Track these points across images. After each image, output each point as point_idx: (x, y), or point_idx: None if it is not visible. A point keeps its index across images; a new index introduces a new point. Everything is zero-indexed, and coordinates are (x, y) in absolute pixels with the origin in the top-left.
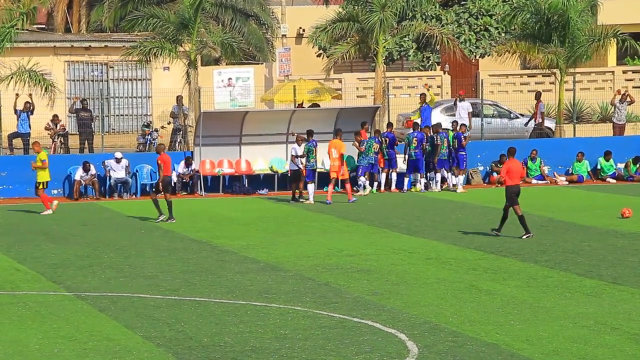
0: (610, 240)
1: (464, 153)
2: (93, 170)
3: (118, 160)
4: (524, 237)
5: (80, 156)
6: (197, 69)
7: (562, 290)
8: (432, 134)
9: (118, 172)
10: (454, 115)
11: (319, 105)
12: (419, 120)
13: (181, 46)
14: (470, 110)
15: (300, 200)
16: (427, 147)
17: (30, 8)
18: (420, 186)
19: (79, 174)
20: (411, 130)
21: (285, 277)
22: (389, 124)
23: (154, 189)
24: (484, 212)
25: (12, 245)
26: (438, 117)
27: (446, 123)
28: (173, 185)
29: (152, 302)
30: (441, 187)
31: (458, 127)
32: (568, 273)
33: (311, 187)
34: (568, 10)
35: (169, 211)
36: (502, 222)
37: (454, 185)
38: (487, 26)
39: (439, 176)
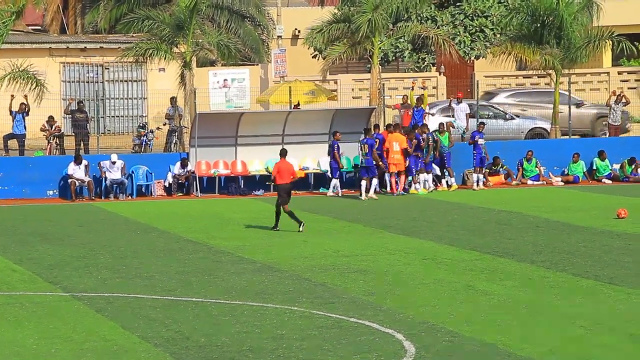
0: (606, 241)
1: (480, 152)
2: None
3: (113, 162)
4: (301, 228)
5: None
6: (192, 70)
7: (558, 291)
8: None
9: (114, 173)
10: (449, 116)
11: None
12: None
13: (177, 47)
14: (469, 111)
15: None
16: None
17: (20, 6)
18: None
19: (71, 167)
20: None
21: (281, 278)
22: (376, 126)
23: None
24: (480, 212)
25: (9, 246)
26: (435, 117)
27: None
28: (168, 186)
29: (148, 303)
30: (435, 188)
31: (477, 127)
32: (564, 273)
33: (364, 183)
34: (562, 11)
35: None
36: (277, 219)
37: (448, 184)
38: (482, 27)
39: (429, 177)
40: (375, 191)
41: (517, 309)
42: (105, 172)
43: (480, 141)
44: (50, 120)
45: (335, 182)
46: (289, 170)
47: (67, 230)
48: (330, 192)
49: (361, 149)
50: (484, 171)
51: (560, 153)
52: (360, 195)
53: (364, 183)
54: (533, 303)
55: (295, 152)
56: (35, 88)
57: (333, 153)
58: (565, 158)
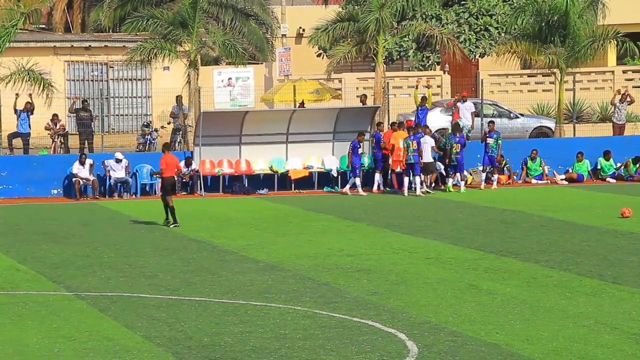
0: (610, 240)
1: (487, 152)
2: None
3: (118, 161)
4: (172, 226)
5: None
6: (197, 68)
7: (562, 290)
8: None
9: (118, 172)
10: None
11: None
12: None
13: (181, 46)
14: (473, 110)
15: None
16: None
17: (32, 9)
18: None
19: (75, 166)
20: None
21: (285, 277)
22: (379, 124)
23: None
24: (484, 211)
25: (13, 245)
26: (437, 116)
27: (446, 123)
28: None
29: (152, 302)
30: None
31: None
32: (568, 273)
33: (407, 179)
34: (567, 10)
35: None
36: (168, 212)
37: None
38: (487, 26)
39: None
40: (429, 186)
41: (520, 308)
42: (109, 171)
43: (489, 140)
44: (55, 118)
45: (356, 180)
46: (174, 164)
47: (71, 229)
48: (360, 191)
49: (409, 145)
50: (494, 170)
51: (565, 152)
52: (415, 190)
53: (417, 179)
54: (536, 302)
55: (300, 151)
56: (44, 90)
57: (348, 152)
58: (569, 157)
